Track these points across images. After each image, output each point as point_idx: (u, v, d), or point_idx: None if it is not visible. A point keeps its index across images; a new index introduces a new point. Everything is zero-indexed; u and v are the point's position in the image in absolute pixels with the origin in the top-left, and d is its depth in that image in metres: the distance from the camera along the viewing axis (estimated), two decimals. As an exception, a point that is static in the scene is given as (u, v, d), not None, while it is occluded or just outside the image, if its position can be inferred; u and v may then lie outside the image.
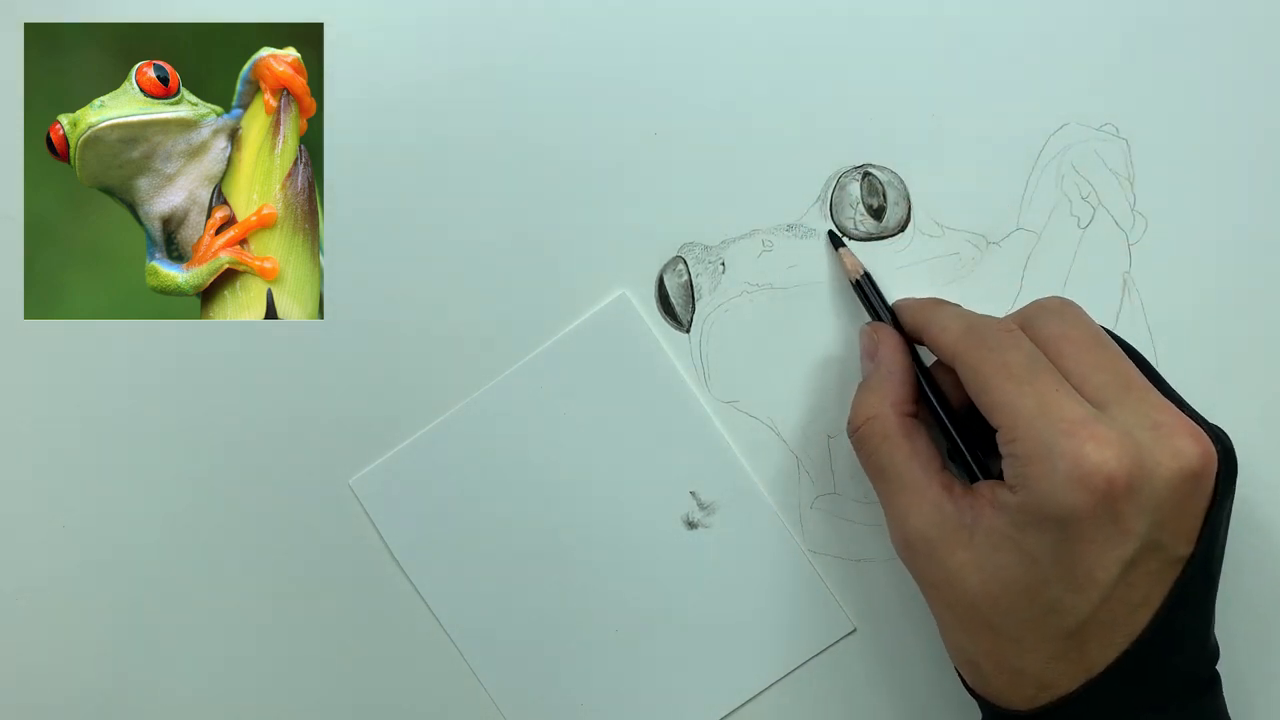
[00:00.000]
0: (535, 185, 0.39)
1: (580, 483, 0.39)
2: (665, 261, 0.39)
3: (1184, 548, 0.30)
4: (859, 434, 0.34)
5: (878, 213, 0.38)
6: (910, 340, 0.36)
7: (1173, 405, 0.30)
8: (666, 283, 0.39)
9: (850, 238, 0.38)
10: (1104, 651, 0.30)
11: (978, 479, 0.33)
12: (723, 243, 0.39)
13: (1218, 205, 0.38)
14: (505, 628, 0.39)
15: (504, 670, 0.39)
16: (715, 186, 0.39)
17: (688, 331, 0.39)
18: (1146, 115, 0.38)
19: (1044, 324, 0.32)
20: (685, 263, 0.39)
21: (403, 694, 0.40)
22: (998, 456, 0.32)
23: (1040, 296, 0.34)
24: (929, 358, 0.36)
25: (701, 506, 0.39)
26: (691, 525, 0.39)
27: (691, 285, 0.39)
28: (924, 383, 0.35)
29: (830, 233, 0.38)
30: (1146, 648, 0.30)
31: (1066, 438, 0.29)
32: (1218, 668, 0.32)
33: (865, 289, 0.37)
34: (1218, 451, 0.30)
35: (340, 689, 0.40)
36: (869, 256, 0.38)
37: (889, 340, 0.35)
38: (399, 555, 0.39)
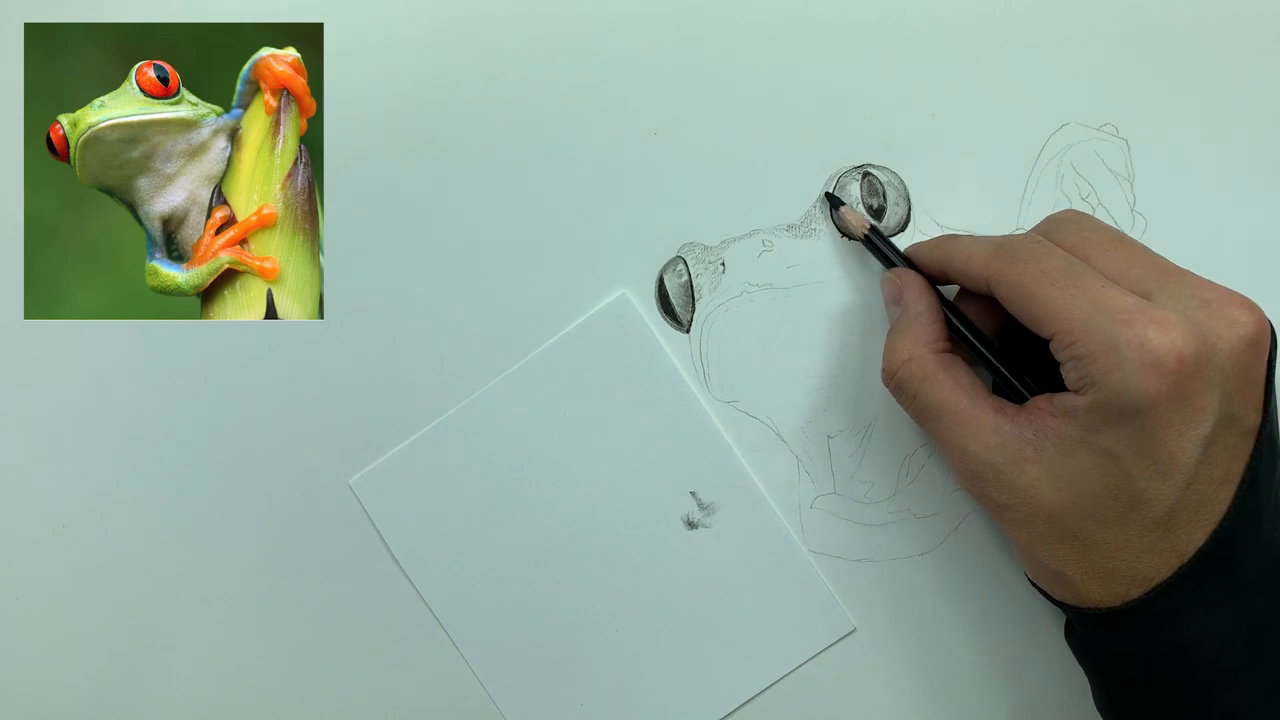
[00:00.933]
0: (535, 185, 0.39)
1: (580, 482, 0.39)
2: (665, 261, 0.39)
3: (1253, 417, 0.30)
4: (897, 378, 0.34)
5: (878, 213, 0.38)
6: (932, 281, 0.36)
7: (1214, 282, 0.31)
8: (666, 283, 0.39)
9: (850, 238, 0.38)
10: (1193, 535, 0.30)
11: (1025, 399, 0.33)
12: (723, 243, 0.39)
13: (1218, 205, 0.38)
14: (505, 628, 0.39)
15: (504, 670, 0.39)
16: (715, 186, 0.39)
17: (688, 331, 0.39)
18: (1146, 115, 0.38)
19: (1065, 234, 0.32)
20: (685, 263, 0.39)
21: (403, 694, 0.40)
22: (1040, 380, 0.32)
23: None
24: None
25: (701, 506, 0.39)
26: (691, 525, 0.39)
27: (691, 285, 0.39)
28: (953, 317, 0.35)
29: (828, 194, 0.38)
30: (1233, 524, 0.30)
31: (1128, 327, 0.29)
32: None
33: (875, 240, 0.37)
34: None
35: (340, 689, 0.40)
36: (869, 256, 0.38)
37: (913, 282, 0.35)
38: (399, 555, 0.39)
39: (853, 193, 0.38)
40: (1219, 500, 0.30)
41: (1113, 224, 0.38)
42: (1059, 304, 0.30)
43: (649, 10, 0.38)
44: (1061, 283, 0.30)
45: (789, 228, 0.38)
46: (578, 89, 0.39)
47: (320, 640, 0.40)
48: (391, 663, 0.40)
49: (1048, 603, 0.34)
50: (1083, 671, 0.35)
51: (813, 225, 0.38)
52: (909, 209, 0.38)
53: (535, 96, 0.39)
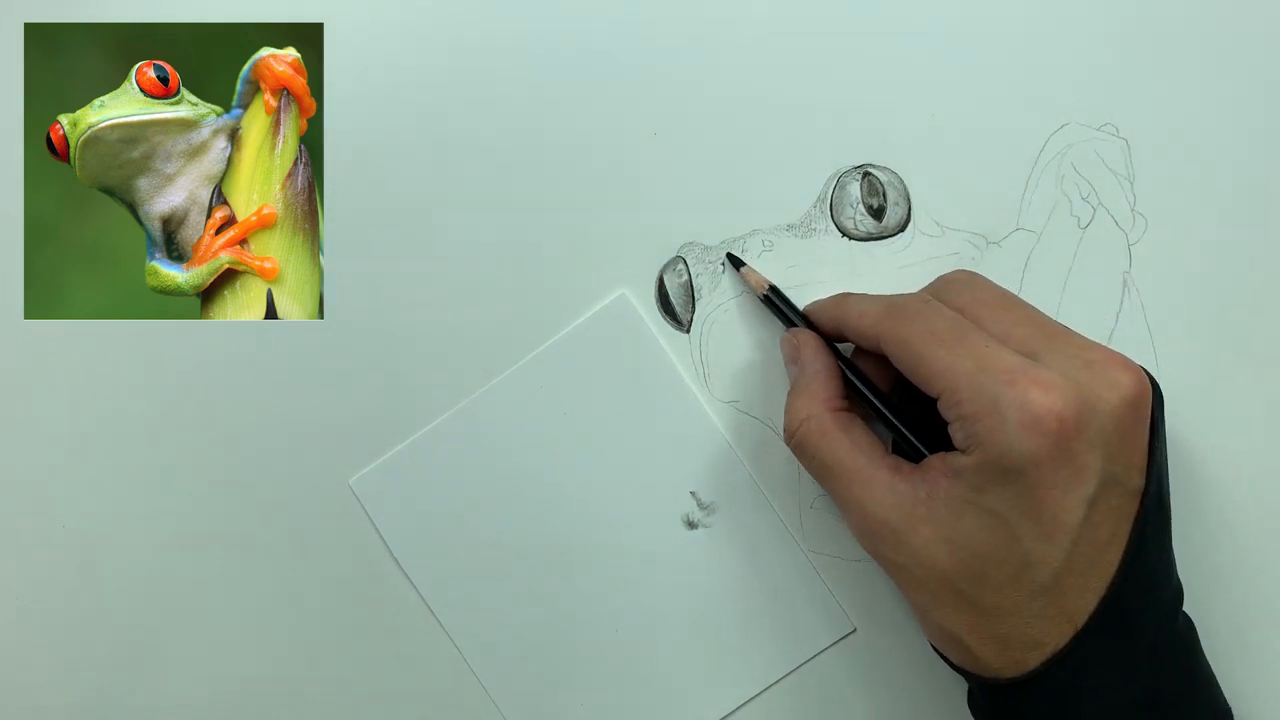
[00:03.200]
0: (535, 185, 0.39)
1: (580, 483, 0.39)
2: (665, 261, 0.39)
3: (1137, 479, 0.30)
4: (796, 438, 0.34)
5: (878, 213, 0.38)
6: (830, 339, 0.36)
7: (1098, 343, 0.31)
8: (666, 283, 0.39)
9: (850, 238, 0.38)
10: (1083, 598, 0.30)
11: (923, 457, 0.33)
12: (723, 243, 0.39)
13: (1218, 205, 0.38)
14: (505, 628, 0.39)
15: (504, 670, 0.39)
16: (715, 186, 0.39)
17: (688, 331, 0.39)
18: (1146, 115, 0.38)
19: (954, 295, 0.33)
20: (685, 263, 0.39)
21: (403, 694, 0.40)
22: (936, 436, 0.32)
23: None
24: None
25: (701, 506, 0.39)
26: (691, 525, 0.39)
27: (691, 285, 0.39)
28: (850, 374, 0.35)
29: (729, 255, 0.38)
30: (1124, 587, 0.30)
31: (1010, 387, 0.29)
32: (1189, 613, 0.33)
33: (775, 300, 0.37)
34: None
35: (340, 689, 0.40)
36: (869, 256, 0.38)
37: (809, 341, 0.35)
38: (399, 555, 0.39)
39: (853, 193, 0.38)
40: (1106, 562, 0.30)
41: (1113, 224, 0.38)
42: (945, 364, 0.30)
43: (649, 10, 0.38)
44: (948, 342, 0.31)
45: (789, 228, 0.38)
46: (578, 89, 0.39)
47: (320, 640, 0.40)
48: (391, 663, 0.40)
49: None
50: None
51: (813, 225, 0.38)
52: (909, 209, 0.38)
53: (535, 97, 0.39)
